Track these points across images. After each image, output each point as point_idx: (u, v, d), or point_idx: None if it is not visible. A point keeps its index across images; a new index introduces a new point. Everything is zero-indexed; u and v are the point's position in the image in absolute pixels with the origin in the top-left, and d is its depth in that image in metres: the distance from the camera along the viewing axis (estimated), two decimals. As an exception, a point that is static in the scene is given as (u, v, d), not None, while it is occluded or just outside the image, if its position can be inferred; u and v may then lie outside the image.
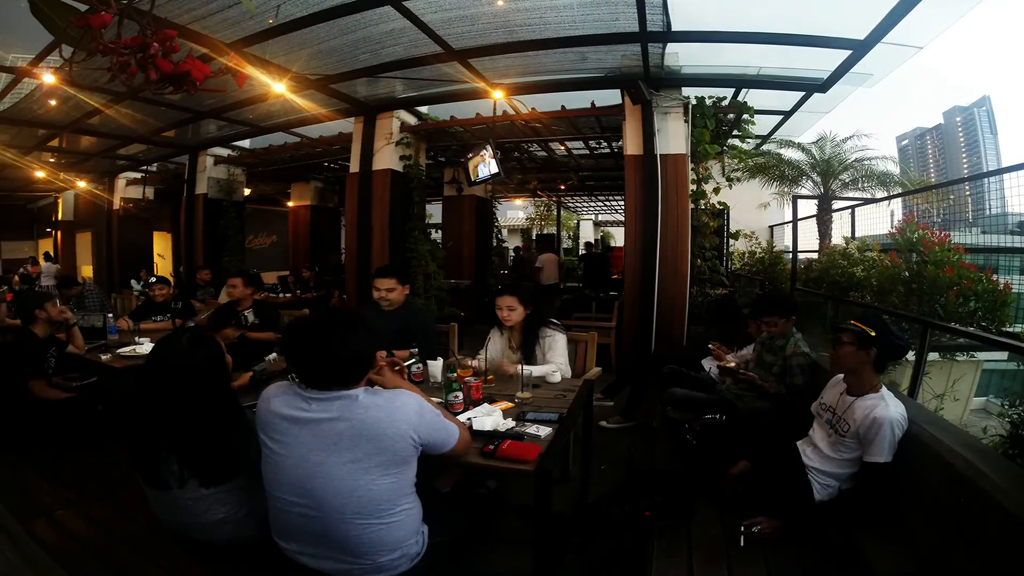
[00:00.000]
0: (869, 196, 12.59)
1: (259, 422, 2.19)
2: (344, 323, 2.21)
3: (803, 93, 7.34)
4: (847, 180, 13.49)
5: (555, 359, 4.19)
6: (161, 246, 16.91)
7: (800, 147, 13.40)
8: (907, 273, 5.70)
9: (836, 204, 12.60)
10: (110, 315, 6.12)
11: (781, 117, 9.01)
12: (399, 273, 4.73)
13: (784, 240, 12.15)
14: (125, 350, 5.17)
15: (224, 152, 12.07)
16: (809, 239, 10.78)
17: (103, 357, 5.03)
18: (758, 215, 13.78)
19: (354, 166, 8.93)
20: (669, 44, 6.18)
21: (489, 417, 2.92)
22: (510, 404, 3.35)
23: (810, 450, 3.10)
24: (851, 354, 2.94)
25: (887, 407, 2.77)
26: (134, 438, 2.34)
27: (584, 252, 19.16)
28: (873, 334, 2.89)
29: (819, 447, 3.06)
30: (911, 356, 4.22)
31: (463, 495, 2.73)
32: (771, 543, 2.73)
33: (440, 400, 3.12)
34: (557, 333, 4.31)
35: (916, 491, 2.68)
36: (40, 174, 12.84)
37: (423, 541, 2.22)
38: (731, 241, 9.49)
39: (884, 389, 2.91)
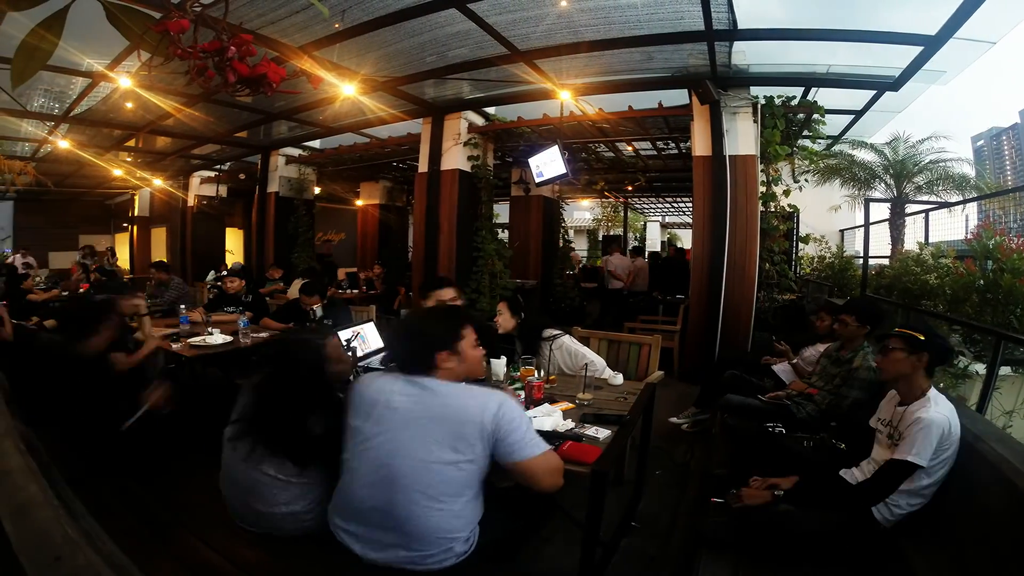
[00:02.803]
0: (943, 200, 12.20)
1: (353, 407, 2.28)
2: (441, 314, 2.39)
3: (874, 91, 7.16)
4: (921, 183, 13.08)
5: (587, 355, 4.20)
6: (232, 242, 17.42)
7: (873, 148, 13.04)
8: (982, 282, 5.49)
9: (909, 208, 12.20)
10: (183, 307, 6.33)
11: (852, 117, 8.82)
12: (451, 283, 4.83)
13: (855, 245, 11.83)
14: (195, 340, 5.33)
15: (295, 152, 12.36)
16: (881, 244, 10.44)
17: (174, 346, 5.20)
18: (828, 218, 13.47)
19: (422, 166, 9.05)
20: (736, 42, 6.08)
21: (549, 417, 2.91)
22: (571, 405, 3.33)
23: (873, 469, 2.91)
24: (902, 360, 2.82)
25: (930, 408, 2.65)
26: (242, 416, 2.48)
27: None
28: (922, 338, 2.80)
29: (878, 462, 2.88)
30: (981, 369, 4.06)
31: (518, 494, 2.72)
32: (819, 546, 2.63)
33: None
34: (560, 337, 4.35)
35: (974, 508, 2.54)
36: (118, 172, 13.36)
37: (474, 540, 2.23)
38: (800, 245, 9.26)
39: (932, 391, 2.79)
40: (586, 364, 3.79)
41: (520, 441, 2.18)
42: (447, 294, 4.59)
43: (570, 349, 4.28)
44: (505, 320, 4.41)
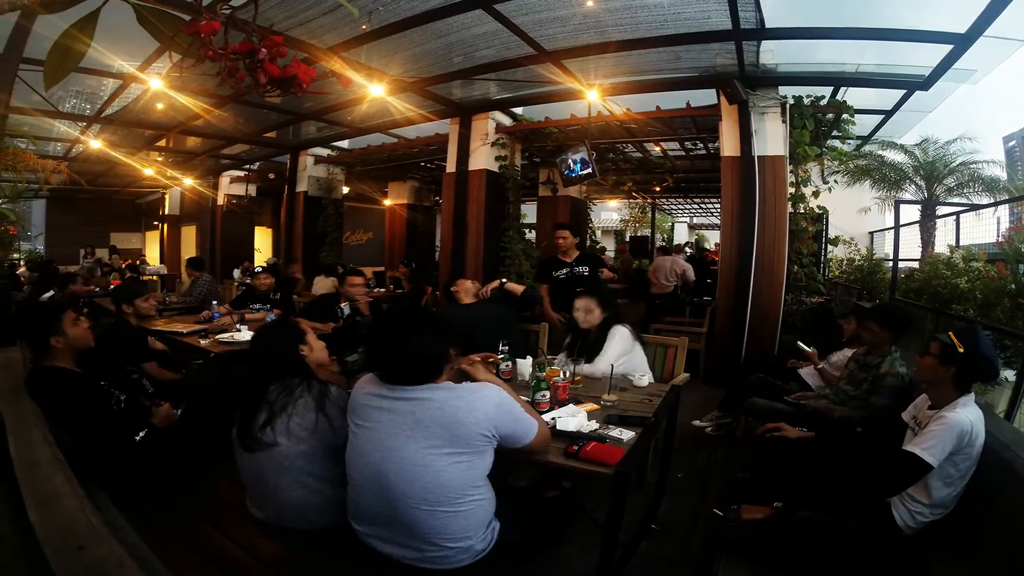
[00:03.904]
0: (974, 202, 11.99)
1: (349, 407, 2.30)
2: (413, 324, 2.27)
3: (904, 91, 7.07)
4: (952, 185, 12.87)
5: (603, 356, 4.09)
6: (261, 241, 17.62)
7: (903, 148, 12.86)
8: (1013, 286, 5.40)
9: (940, 210, 12.01)
10: (214, 303, 6.40)
11: (882, 117, 8.72)
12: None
13: (884, 247, 11.67)
14: (224, 336, 5.39)
15: (324, 152, 12.47)
16: (911, 247, 10.30)
17: (203, 342, 5.28)
18: (858, 220, 13.31)
19: (450, 166, 9.09)
20: (763, 41, 6.03)
21: (574, 418, 2.90)
22: (595, 406, 3.32)
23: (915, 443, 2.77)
24: (932, 367, 2.73)
25: (957, 409, 2.57)
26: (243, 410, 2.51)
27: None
28: (961, 351, 2.65)
29: (919, 440, 2.74)
30: (1011, 376, 3.98)
31: (538, 495, 2.72)
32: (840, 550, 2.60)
33: (527, 399, 3.15)
34: (619, 334, 4.20)
35: (998, 517, 2.47)
36: (149, 171, 13.57)
37: (492, 537, 2.23)
38: (829, 247, 9.16)
39: (964, 397, 2.66)
40: (612, 365, 3.77)
41: (522, 430, 2.30)
42: (465, 284, 4.63)
43: (606, 348, 4.17)
44: (594, 316, 4.30)
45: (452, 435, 2.08)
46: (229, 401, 2.63)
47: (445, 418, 2.10)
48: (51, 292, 7.92)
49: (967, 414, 2.56)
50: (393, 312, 2.63)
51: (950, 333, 2.76)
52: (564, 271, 6.17)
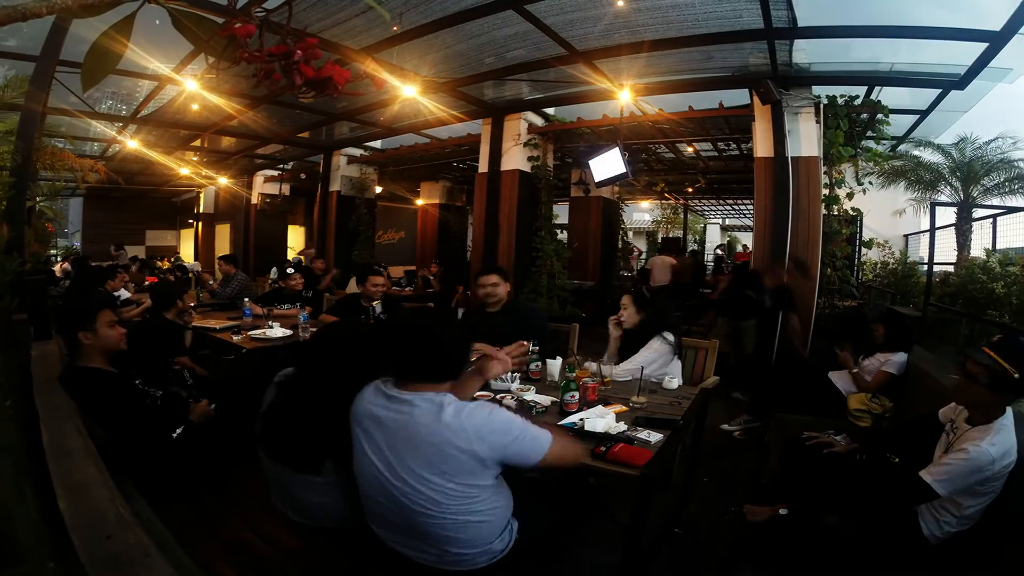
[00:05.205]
0: (1013, 205, 11.74)
1: (353, 415, 2.24)
2: (438, 320, 2.26)
3: (939, 90, 6.96)
4: (989, 185, 12.59)
5: (631, 360, 4.06)
6: (294, 239, 17.83)
7: (939, 148, 12.61)
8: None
9: (976, 213, 11.76)
10: (247, 299, 6.49)
11: (917, 117, 8.63)
12: (501, 270, 4.75)
13: (919, 250, 11.48)
14: (256, 333, 5.45)
15: (357, 152, 12.57)
16: (946, 250, 10.10)
17: (235, 338, 5.32)
18: (892, 223, 13.14)
19: (483, 166, 9.12)
20: (796, 40, 5.97)
21: (602, 419, 2.89)
22: (624, 408, 3.31)
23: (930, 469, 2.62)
24: (980, 393, 2.46)
25: (984, 440, 2.36)
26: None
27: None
28: (1016, 376, 2.35)
29: (935, 465, 2.56)
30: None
31: (552, 484, 2.69)
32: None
33: (556, 399, 3.15)
34: (657, 344, 4.12)
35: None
36: (184, 171, 13.78)
37: (510, 538, 2.21)
38: (863, 250, 9.02)
39: (1001, 420, 2.45)
40: (642, 368, 3.74)
41: (524, 451, 2.11)
42: (491, 280, 4.62)
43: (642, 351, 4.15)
44: (630, 315, 4.28)
45: (442, 455, 2.00)
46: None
47: (432, 437, 2.01)
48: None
49: (995, 446, 2.37)
50: (423, 309, 2.62)
51: (987, 350, 2.51)
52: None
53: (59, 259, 15.57)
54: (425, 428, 2.02)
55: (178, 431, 3.17)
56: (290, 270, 7.38)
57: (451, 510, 2.02)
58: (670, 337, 4.13)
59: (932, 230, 8.26)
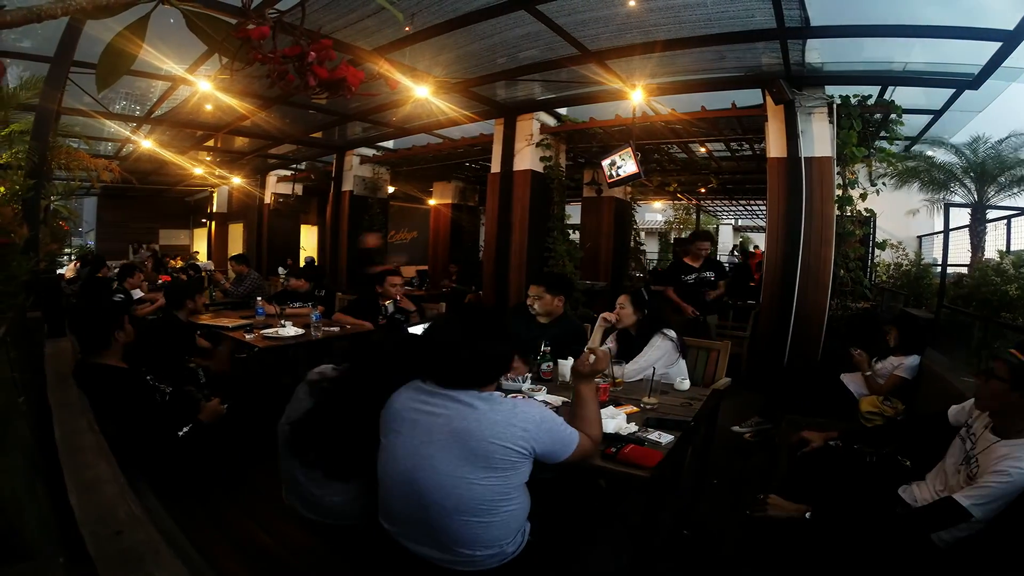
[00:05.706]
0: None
1: (385, 413, 2.27)
2: (487, 325, 2.28)
3: (953, 90, 6.92)
4: (1004, 183, 12.45)
5: (635, 361, 4.06)
6: (307, 239, 17.92)
7: (953, 148, 12.49)
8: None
9: (990, 214, 11.64)
10: (259, 298, 6.53)
11: (931, 117, 8.58)
12: (548, 283, 4.75)
13: (933, 252, 11.39)
14: (268, 331, 5.48)
15: (369, 152, 12.56)
16: (960, 252, 10.01)
17: (247, 336, 5.36)
18: (906, 224, 13.02)
19: (495, 166, 9.10)
20: (809, 40, 5.94)
21: (612, 420, 2.89)
22: (635, 408, 3.31)
23: (938, 478, 2.64)
24: (1002, 393, 2.37)
25: (1022, 460, 2.24)
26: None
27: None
28: None
29: (948, 475, 2.56)
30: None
31: (563, 484, 2.69)
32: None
33: (567, 399, 3.15)
34: (659, 343, 4.13)
35: None
36: (198, 171, 13.87)
37: (522, 540, 2.24)
38: (876, 251, 8.96)
39: None
40: (654, 368, 3.74)
41: (561, 447, 2.23)
42: (534, 291, 4.63)
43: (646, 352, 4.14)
44: (627, 316, 4.32)
45: (487, 450, 2.05)
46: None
47: (482, 431, 2.06)
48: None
49: None
50: (467, 309, 2.61)
51: (1014, 351, 2.51)
52: (693, 276, 7.27)
53: (72, 258, 15.65)
54: (475, 423, 2.08)
55: (185, 429, 3.18)
56: (282, 269, 7.43)
57: (482, 508, 2.06)
58: (671, 333, 4.16)
59: (946, 231, 8.19)
